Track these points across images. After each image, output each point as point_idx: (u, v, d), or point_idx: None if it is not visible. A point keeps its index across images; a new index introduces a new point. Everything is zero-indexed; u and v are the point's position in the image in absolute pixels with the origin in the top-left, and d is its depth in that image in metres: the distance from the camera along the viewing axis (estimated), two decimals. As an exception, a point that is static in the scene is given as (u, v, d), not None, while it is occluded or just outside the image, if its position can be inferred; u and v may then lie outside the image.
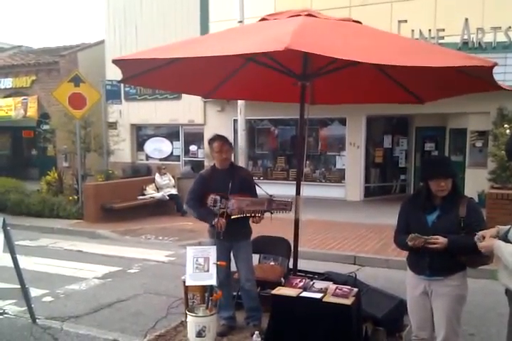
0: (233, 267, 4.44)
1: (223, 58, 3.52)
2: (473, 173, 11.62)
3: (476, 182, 11.12)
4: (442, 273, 3.09)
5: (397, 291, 4.51)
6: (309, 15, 3.90)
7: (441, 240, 2.97)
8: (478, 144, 11.85)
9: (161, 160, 15.95)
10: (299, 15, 3.89)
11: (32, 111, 16.55)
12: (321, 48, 3.02)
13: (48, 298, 5.46)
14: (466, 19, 10.58)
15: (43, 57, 17.02)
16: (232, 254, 4.37)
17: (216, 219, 4.04)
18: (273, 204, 4.03)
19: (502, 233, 2.69)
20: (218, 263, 3.96)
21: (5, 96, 17.37)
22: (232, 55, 3.50)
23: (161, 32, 14.56)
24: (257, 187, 4.34)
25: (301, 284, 3.90)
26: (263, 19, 4.16)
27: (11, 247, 4.39)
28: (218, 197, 4.10)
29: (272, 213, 4.08)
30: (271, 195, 4.09)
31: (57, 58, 16.23)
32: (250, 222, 4.22)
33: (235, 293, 4.58)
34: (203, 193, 4.20)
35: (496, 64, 3.09)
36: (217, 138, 4.30)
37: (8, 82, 17.26)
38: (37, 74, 16.69)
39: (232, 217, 4.04)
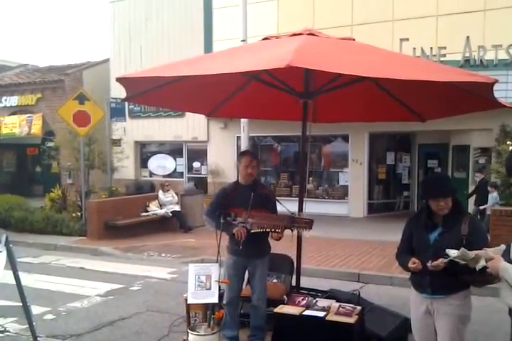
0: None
1: (226, 77, 3.56)
2: (477, 190, 11.58)
3: (479, 198, 11.06)
4: (444, 292, 3.06)
5: (402, 309, 4.46)
6: (311, 34, 3.95)
7: (442, 266, 2.95)
8: (482, 161, 11.84)
9: (164, 176, 16.00)
10: (301, 34, 3.95)
11: (36, 129, 16.69)
12: (323, 65, 3.06)
13: (50, 316, 5.42)
14: (468, 37, 10.69)
15: (49, 75, 17.24)
16: (247, 271, 4.34)
17: (236, 229, 4.01)
18: (294, 222, 3.99)
19: (501, 252, 2.67)
20: (221, 281, 3.93)
21: (10, 114, 17.55)
22: (234, 74, 3.54)
23: (165, 51, 14.76)
24: (278, 204, 4.32)
25: (304, 302, 3.87)
26: (265, 38, 4.22)
27: (13, 264, 4.37)
28: (238, 212, 4.10)
29: (292, 230, 4.05)
30: (292, 213, 4.08)
31: (63, 76, 16.43)
32: (270, 238, 4.14)
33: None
34: (223, 207, 4.19)
35: (496, 81, 3.11)
36: (248, 153, 4.57)
37: (13, 100, 17.45)
38: (42, 92, 16.88)
39: (251, 231, 4.00)
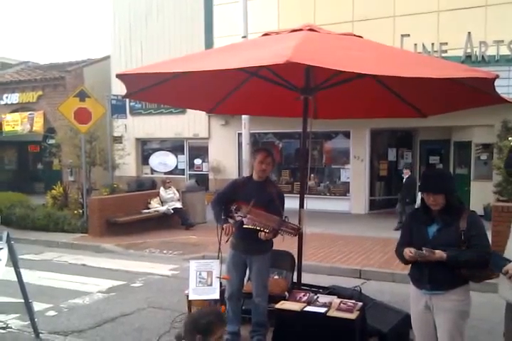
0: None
1: (226, 73, 3.55)
2: (478, 186, 11.58)
3: (481, 195, 11.08)
4: (443, 288, 3.05)
5: (403, 305, 4.45)
6: (311, 30, 3.94)
7: (437, 255, 2.94)
8: (483, 157, 11.82)
9: (165, 173, 16.01)
10: (301, 29, 3.94)
11: (38, 126, 16.69)
12: (323, 61, 3.05)
13: (52, 312, 5.43)
14: (469, 33, 10.66)
15: (50, 72, 17.23)
16: (248, 267, 4.35)
17: (226, 224, 4.07)
18: (282, 226, 4.03)
19: None
20: (222, 277, 3.94)
21: (11, 111, 17.55)
22: (235, 70, 3.54)
23: (166, 47, 14.74)
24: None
25: (305, 298, 3.87)
26: (265, 34, 4.21)
27: (14, 261, 4.39)
28: (242, 206, 4.13)
29: (280, 234, 4.07)
30: (285, 217, 4.11)
31: (64, 74, 16.42)
32: (260, 236, 4.15)
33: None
34: (230, 198, 4.26)
35: (497, 76, 3.10)
36: (263, 149, 4.50)
37: (14, 98, 17.45)
38: (43, 89, 16.88)
39: (244, 226, 4.05)
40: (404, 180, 10.76)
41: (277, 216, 4.12)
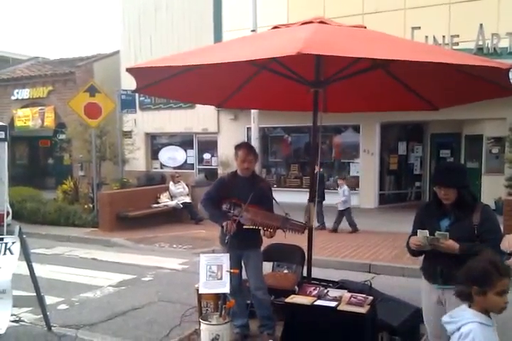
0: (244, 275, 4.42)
1: (236, 66, 3.53)
2: (489, 180, 11.47)
3: (492, 188, 10.97)
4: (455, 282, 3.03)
5: (413, 300, 4.43)
6: (321, 22, 3.90)
7: (449, 243, 2.91)
8: (495, 150, 11.70)
9: (175, 168, 16.05)
10: (312, 22, 3.90)
11: (49, 121, 16.81)
12: (334, 50, 3.02)
13: (63, 306, 5.49)
14: (481, 25, 10.52)
15: (60, 67, 17.32)
16: (242, 262, 4.35)
17: (226, 222, 4.02)
18: (287, 224, 4.00)
19: None
20: (231, 270, 3.94)
21: (22, 107, 17.67)
22: (244, 63, 3.51)
23: (175, 42, 14.73)
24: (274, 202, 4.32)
25: (316, 292, 3.86)
26: (275, 27, 4.17)
27: (26, 255, 4.43)
28: (234, 204, 4.10)
29: (284, 231, 4.06)
30: (286, 214, 4.07)
31: (74, 69, 16.49)
32: (262, 235, 4.19)
33: (248, 302, 4.55)
34: (220, 197, 4.21)
35: (512, 66, 3.06)
36: (244, 146, 4.28)
37: (25, 93, 17.56)
38: (53, 84, 16.96)
39: (244, 227, 4.03)
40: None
41: (271, 211, 4.10)
